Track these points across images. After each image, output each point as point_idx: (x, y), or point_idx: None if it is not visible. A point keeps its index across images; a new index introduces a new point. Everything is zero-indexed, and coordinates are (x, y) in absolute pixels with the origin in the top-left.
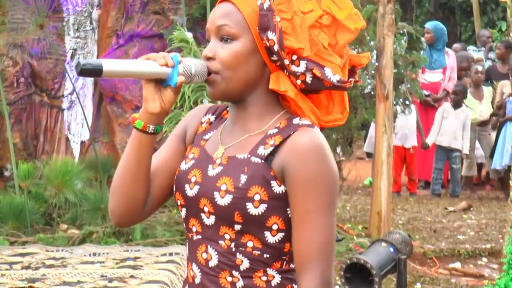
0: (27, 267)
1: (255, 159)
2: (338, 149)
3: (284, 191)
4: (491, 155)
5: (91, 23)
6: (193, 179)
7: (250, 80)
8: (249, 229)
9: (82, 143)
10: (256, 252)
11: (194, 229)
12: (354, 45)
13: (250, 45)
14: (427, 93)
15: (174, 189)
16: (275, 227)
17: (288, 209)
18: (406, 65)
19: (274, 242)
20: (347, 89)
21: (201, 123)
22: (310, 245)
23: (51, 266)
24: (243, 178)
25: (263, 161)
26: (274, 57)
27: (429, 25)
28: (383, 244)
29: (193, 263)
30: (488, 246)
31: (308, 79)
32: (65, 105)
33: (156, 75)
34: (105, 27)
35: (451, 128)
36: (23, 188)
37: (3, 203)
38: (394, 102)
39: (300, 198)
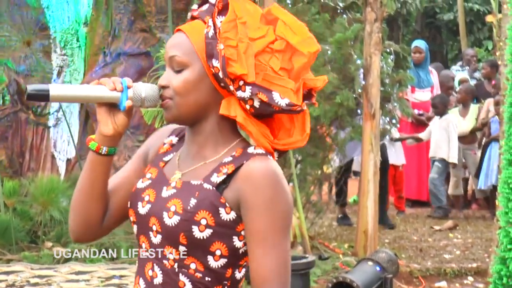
0: (12, 286)
1: (206, 186)
2: (325, 168)
3: (232, 219)
4: (477, 175)
5: (77, 40)
6: (146, 198)
7: (201, 105)
8: (192, 251)
9: (68, 160)
10: (198, 275)
11: (143, 246)
12: (340, 64)
13: (199, 73)
14: (421, 112)
15: (129, 205)
16: (218, 252)
17: (234, 237)
18: (393, 84)
19: (216, 267)
20: (298, 112)
21: (164, 143)
22: (268, 267)
23: (36, 284)
24: (193, 201)
25: (214, 188)
26: (222, 84)
27: (420, 44)
28: (370, 263)
29: (141, 278)
30: (474, 265)
31: (256, 103)
32: (51, 122)
33: (106, 99)
34: (92, 45)
35: (435, 137)
36: (8, 206)
37: None
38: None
39: (256, 224)
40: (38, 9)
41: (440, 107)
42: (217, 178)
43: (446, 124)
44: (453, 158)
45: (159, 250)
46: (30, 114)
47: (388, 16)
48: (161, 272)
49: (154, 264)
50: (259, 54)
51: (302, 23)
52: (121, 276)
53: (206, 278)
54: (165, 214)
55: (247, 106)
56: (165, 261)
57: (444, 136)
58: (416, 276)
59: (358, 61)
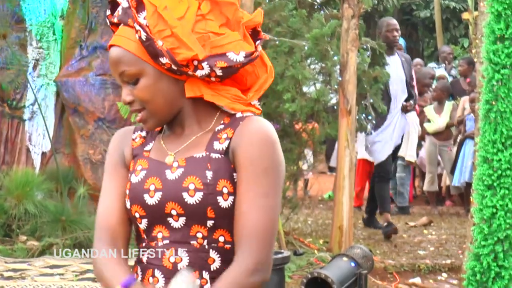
0: None
1: (214, 155)
2: (301, 163)
3: None
4: (453, 171)
5: (54, 33)
6: (151, 187)
7: (171, 101)
8: (220, 223)
9: (43, 154)
10: (227, 246)
11: (160, 235)
12: (317, 60)
13: (154, 74)
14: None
15: (129, 203)
16: None
17: None
18: (369, 80)
19: None
20: (257, 57)
21: (133, 139)
22: (250, 223)
23: (9, 278)
24: (209, 174)
25: (222, 155)
26: (179, 73)
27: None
28: (344, 258)
29: (156, 270)
30: (448, 261)
31: (219, 72)
32: (26, 115)
33: None
34: (68, 38)
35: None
36: None
37: None
38: (357, 117)
39: (244, 178)
40: (14, 1)
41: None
42: (220, 145)
43: (404, 123)
44: (410, 156)
45: (184, 232)
46: (5, 107)
47: (365, 12)
48: (187, 254)
49: (178, 249)
50: (194, 26)
51: None
52: None
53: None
54: (185, 195)
55: (212, 79)
56: (192, 242)
57: (405, 135)
58: (390, 272)
59: (335, 58)
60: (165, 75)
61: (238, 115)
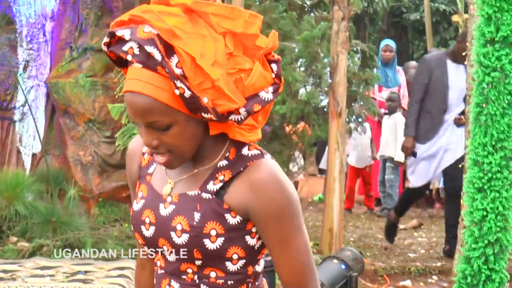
0: None
1: (205, 195)
2: (291, 166)
3: (240, 221)
4: None
5: (44, 35)
6: (147, 220)
7: (197, 140)
8: (209, 262)
9: (34, 155)
10: (220, 281)
11: (159, 263)
12: (307, 62)
13: (186, 121)
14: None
15: (133, 229)
16: (235, 256)
17: (246, 237)
18: (359, 83)
19: (236, 269)
20: (280, 90)
21: (143, 154)
22: (299, 267)
23: (0, 279)
24: (197, 216)
25: (214, 196)
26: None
27: (390, 42)
28: (335, 261)
29: None
30: (439, 264)
31: (251, 113)
32: (17, 117)
33: None
34: (59, 40)
35: (384, 136)
36: None
37: None
38: (347, 120)
39: (274, 230)
40: (4, 3)
41: (397, 102)
42: (214, 186)
43: (393, 124)
44: (400, 157)
45: (176, 266)
46: None
47: (355, 15)
48: (179, 286)
49: (172, 280)
50: (227, 67)
51: (227, 4)
52: (86, 272)
53: (229, 282)
54: (173, 234)
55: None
56: (183, 276)
57: (392, 135)
58: (381, 275)
59: (325, 60)
60: (194, 119)
61: (244, 151)
